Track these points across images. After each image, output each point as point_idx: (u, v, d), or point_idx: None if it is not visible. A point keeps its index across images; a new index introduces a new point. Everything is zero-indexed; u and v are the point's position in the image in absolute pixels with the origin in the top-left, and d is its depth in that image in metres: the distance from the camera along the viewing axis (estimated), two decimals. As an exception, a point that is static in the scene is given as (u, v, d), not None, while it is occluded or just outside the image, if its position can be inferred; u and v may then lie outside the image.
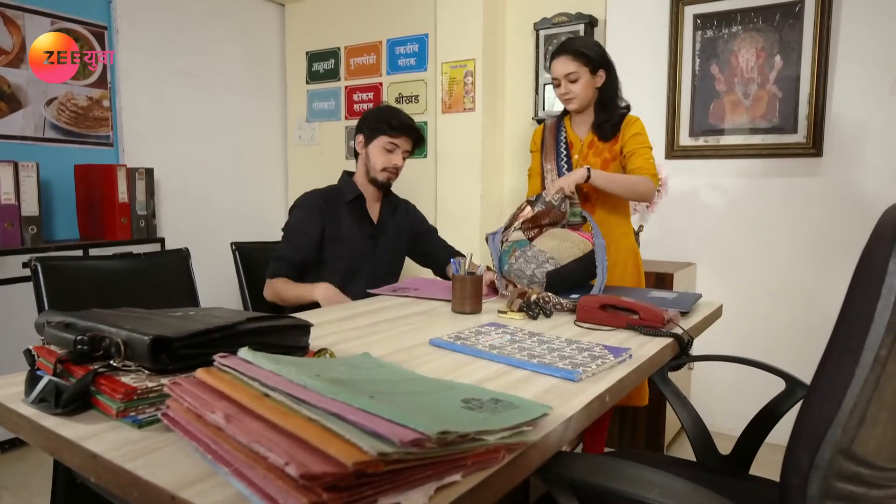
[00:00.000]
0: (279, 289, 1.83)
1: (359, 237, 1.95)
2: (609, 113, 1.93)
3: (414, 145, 1.98)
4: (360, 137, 1.97)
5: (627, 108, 1.97)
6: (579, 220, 1.77)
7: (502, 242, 1.65)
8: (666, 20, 2.68)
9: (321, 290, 1.77)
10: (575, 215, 1.78)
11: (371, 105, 3.49)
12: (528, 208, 1.70)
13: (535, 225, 1.72)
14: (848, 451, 0.69)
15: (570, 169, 1.96)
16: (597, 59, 1.88)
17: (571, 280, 1.59)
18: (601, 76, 1.91)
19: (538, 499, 1.10)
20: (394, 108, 2.03)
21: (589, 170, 1.78)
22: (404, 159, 1.96)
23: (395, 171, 1.96)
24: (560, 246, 1.61)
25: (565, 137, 2.00)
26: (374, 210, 2.02)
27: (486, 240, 1.69)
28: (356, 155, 2.02)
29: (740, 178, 2.60)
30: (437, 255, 2.11)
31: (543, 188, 2.00)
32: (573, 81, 1.88)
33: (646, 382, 1.86)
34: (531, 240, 1.65)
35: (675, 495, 0.69)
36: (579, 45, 1.89)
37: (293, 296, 1.81)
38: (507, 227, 1.68)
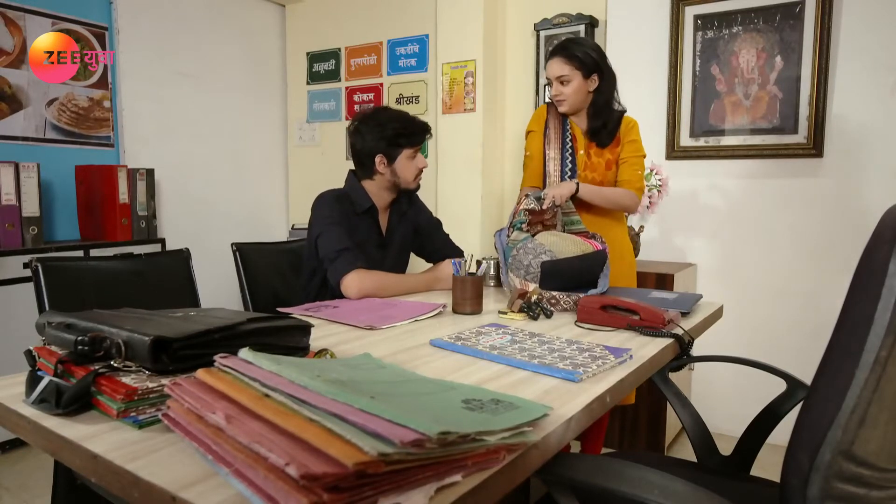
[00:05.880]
0: (381, 282, 1.73)
1: (371, 249, 1.90)
2: (603, 119, 1.91)
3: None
4: (381, 158, 1.84)
5: (622, 112, 1.95)
6: (580, 227, 1.79)
7: (508, 236, 1.68)
8: (666, 21, 2.68)
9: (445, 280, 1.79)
10: (572, 224, 1.79)
11: (371, 106, 3.47)
12: (526, 199, 1.73)
13: (539, 221, 1.75)
14: (848, 453, 0.69)
15: (573, 163, 1.96)
16: (590, 64, 1.85)
17: (566, 275, 1.59)
18: (594, 80, 1.88)
19: (539, 499, 1.10)
20: (398, 113, 1.93)
21: (578, 184, 1.81)
22: None
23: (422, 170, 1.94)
24: (560, 242, 1.64)
25: (570, 130, 1.97)
26: (382, 219, 1.97)
27: (495, 236, 1.71)
28: (371, 171, 1.89)
29: (741, 179, 2.60)
30: (433, 251, 2.06)
31: (545, 173, 1.99)
32: (565, 84, 1.87)
33: None
34: (534, 235, 1.68)
35: (675, 496, 0.69)
36: (574, 48, 1.86)
37: (405, 287, 1.79)
38: (510, 224, 1.71)
